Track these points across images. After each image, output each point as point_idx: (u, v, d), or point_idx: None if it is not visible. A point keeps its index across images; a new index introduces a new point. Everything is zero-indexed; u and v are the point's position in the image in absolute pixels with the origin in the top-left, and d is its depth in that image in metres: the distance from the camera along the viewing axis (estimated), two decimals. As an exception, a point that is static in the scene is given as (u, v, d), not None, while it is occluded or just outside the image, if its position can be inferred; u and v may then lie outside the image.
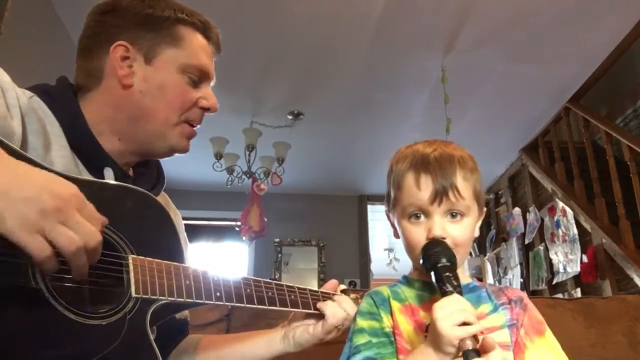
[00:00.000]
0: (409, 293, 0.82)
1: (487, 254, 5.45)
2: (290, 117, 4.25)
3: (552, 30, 3.18)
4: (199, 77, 0.91)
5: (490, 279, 5.31)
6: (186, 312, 1.04)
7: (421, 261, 0.75)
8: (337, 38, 3.28)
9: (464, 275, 0.84)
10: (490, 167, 5.12)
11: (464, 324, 0.65)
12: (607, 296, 2.12)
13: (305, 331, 0.95)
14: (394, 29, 3.19)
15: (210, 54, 0.95)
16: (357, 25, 3.15)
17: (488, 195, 5.58)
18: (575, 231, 3.77)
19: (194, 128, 0.94)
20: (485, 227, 5.69)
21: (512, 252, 4.77)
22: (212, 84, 0.96)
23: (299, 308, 0.94)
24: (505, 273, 4.93)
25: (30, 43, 2.68)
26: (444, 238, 0.75)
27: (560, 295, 3.90)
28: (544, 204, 4.33)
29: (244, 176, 4.30)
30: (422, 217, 0.78)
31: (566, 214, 3.91)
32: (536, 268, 4.36)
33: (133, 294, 0.71)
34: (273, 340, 0.98)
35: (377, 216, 5.90)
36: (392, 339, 0.77)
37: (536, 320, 0.81)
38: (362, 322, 0.80)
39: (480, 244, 5.70)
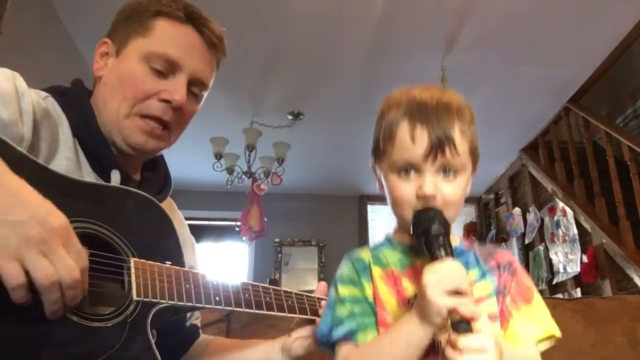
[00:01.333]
0: (391, 257, 0.76)
1: (487, 254, 5.44)
2: (290, 117, 4.25)
3: (552, 30, 3.18)
4: (166, 68, 0.84)
5: (490, 279, 5.31)
6: (198, 313, 1.04)
7: (411, 227, 0.70)
8: (337, 38, 3.27)
9: (452, 237, 0.74)
10: (490, 167, 5.11)
11: (456, 292, 0.60)
12: (607, 296, 2.12)
13: (300, 346, 0.95)
14: (394, 29, 3.19)
15: (193, 44, 0.87)
16: (357, 25, 3.15)
17: (488, 195, 5.58)
18: (575, 231, 3.77)
19: (158, 124, 0.85)
20: (485, 227, 5.69)
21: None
22: (185, 75, 0.85)
23: (295, 313, 0.94)
24: (505, 273, 4.92)
25: (30, 43, 2.68)
26: (434, 196, 0.69)
27: (560, 295, 3.90)
28: (544, 204, 4.33)
29: (244, 176, 4.30)
30: (413, 173, 0.71)
31: (566, 214, 3.91)
32: (536, 268, 4.35)
33: (134, 297, 0.71)
34: (271, 350, 0.97)
35: (377, 216, 5.90)
36: (375, 308, 0.72)
37: (525, 286, 0.75)
38: (343, 290, 0.74)
39: (480, 244, 5.69)
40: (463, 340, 0.58)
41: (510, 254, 0.79)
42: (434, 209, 0.69)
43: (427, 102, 0.72)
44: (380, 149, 0.76)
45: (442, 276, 0.61)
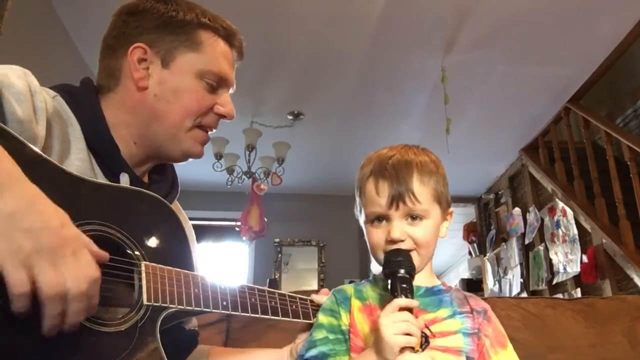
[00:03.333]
0: (371, 292, 0.86)
1: (487, 254, 5.45)
2: (290, 117, 4.25)
3: (552, 30, 3.18)
4: (217, 83, 0.91)
5: (490, 279, 5.32)
6: (195, 322, 1.03)
7: (382, 266, 0.79)
8: (337, 38, 3.28)
9: (431, 278, 0.87)
10: (490, 167, 5.12)
11: (407, 334, 0.69)
12: (607, 296, 2.12)
13: None
14: (394, 29, 3.19)
15: (232, 60, 0.95)
16: (357, 25, 3.15)
17: (488, 195, 5.58)
18: (575, 231, 3.77)
19: (208, 133, 0.93)
20: (485, 227, 5.69)
21: (512, 252, 4.77)
22: (231, 90, 0.96)
23: (299, 318, 0.94)
24: (505, 273, 4.93)
25: (30, 43, 2.68)
26: (402, 240, 0.79)
27: (560, 295, 3.90)
28: (544, 204, 4.33)
29: (244, 176, 4.30)
30: (384, 222, 0.82)
31: (566, 214, 3.91)
32: (536, 268, 4.36)
33: (144, 302, 0.71)
34: (281, 358, 0.96)
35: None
36: (347, 336, 0.81)
37: (500, 332, 0.85)
38: (322, 319, 0.84)
39: (480, 244, 5.70)
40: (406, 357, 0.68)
41: (483, 302, 0.88)
42: (403, 253, 0.78)
43: (388, 160, 0.83)
44: (357, 203, 0.88)
45: (395, 319, 0.71)
